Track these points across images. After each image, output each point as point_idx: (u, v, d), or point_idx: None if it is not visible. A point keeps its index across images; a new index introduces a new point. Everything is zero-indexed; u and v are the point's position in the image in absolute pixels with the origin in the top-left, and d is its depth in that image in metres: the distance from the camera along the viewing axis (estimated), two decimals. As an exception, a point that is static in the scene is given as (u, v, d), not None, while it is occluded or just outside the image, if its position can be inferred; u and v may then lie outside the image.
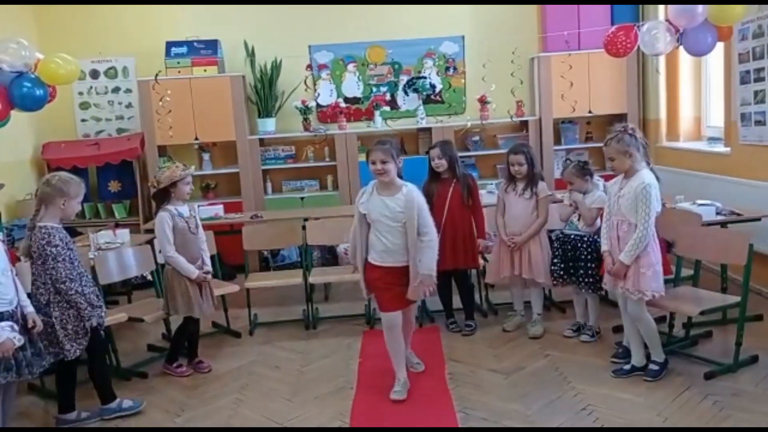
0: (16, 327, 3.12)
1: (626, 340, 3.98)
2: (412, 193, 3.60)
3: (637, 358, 3.82)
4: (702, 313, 3.79)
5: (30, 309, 3.28)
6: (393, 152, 3.61)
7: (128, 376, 4.22)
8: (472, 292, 4.86)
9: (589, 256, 4.19)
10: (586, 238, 4.24)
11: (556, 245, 4.44)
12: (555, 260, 4.40)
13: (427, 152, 4.74)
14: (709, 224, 4.53)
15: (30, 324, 3.23)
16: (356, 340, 4.66)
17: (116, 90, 6.96)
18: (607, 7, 6.70)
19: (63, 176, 3.57)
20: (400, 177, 3.69)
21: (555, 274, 4.40)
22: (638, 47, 4.74)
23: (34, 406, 3.92)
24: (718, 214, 4.73)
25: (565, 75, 6.49)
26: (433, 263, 3.63)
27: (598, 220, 4.16)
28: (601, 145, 6.59)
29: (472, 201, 4.60)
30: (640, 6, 6.75)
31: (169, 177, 4.07)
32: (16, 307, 3.20)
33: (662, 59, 6.28)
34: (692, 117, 6.49)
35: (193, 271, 4.13)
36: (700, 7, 4.34)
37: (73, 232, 5.92)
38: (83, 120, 6.97)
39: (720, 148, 5.75)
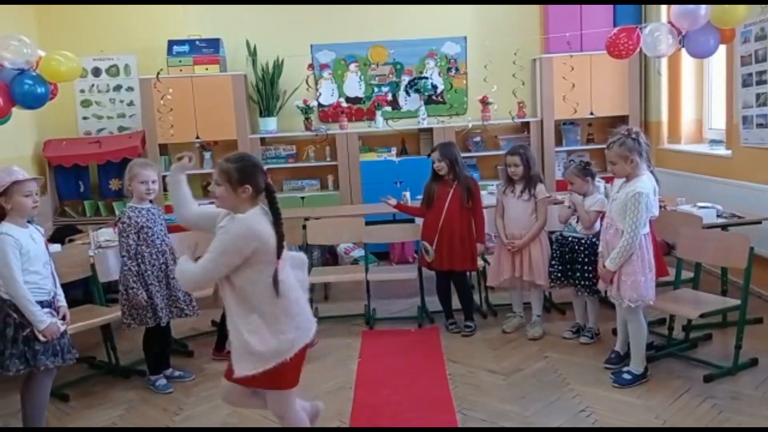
0: (55, 314, 3.30)
1: (618, 345, 3.98)
2: (230, 223, 2.76)
3: (634, 365, 3.79)
4: (702, 315, 3.77)
5: (63, 303, 3.41)
6: (233, 175, 2.75)
7: (127, 375, 4.22)
8: (471, 293, 4.86)
9: (586, 259, 4.17)
10: (584, 241, 4.23)
11: (554, 247, 4.43)
12: (553, 262, 4.40)
13: (429, 154, 4.74)
14: (710, 227, 4.52)
15: (61, 316, 3.35)
16: (356, 339, 4.66)
17: (118, 88, 6.96)
18: (610, 8, 6.70)
19: (133, 161, 4.03)
20: (272, 200, 2.83)
21: (552, 276, 4.39)
22: (640, 49, 4.74)
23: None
24: (718, 216, 4.72)
25: (566, 76, 6.49)
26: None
27: (597, 224, 4.15)
28: (602, 146, 6.60)
29: (473, 204, 4.60)
30: (643, 8, 6.74)
31: None
32: (53, 298, 3.34)
33: (664, 61, 6.27)
34: (694, 119, 6.48)
35: None
36: (702, 9, 4.33)
37: (73, 229, 5.94)
38: (85, 118, 6.96)
39: (721, 150, 5.74)
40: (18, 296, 3.15)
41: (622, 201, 3.59)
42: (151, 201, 3.99)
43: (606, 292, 3.82)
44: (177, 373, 4.20)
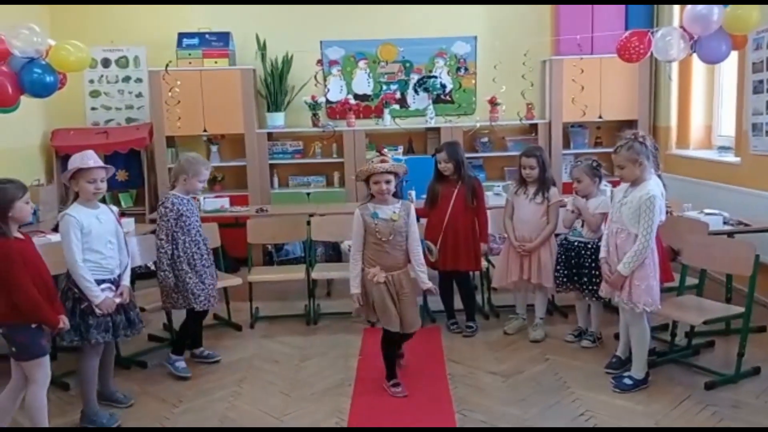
0: (114, 289, 3.50)
1: (620, 350, 3.96)
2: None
3: (636, 371, 3.75)
4: (705, 322, 3.76)
5: (126, 282, 3.61)
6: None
7: (128, 365, 4.23)
8: (473, 294, 4.84)
9: (592, 264, 4.14)
10: (589, 245, 4.21)
11: (559, 251, 4.41)
12: (558, 266, 4.37)
13: (434, 154, 4.71)
14: (716, 234, 4.49)
15: (118, 293, 3.53)
16: (356, 337, 4.65)
17: (127, 79, 6.97)
18: (621, 11, 6.67)
19: (190, 156, 4.15)
20: None
21: (558, 280, 4.36)
22: (651, 53, 4.71)
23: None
24: (725, 223, 4.69)
25: (576, 79, 6.45)
26: None
27: (603, 226, 4.13)
28: (610, 150, 6.57)
29: (477, 203, 4.59)
30: (655, 10, 6.71)
31: (364, 171, 3.67)
32: (117, 276, 3.55)
33: (675, 66, 6.24)
34: (703, 125, 6.44)
35: (353, 287, 3.70)
36: (715, 15, 4.31)
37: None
38: (93, 108, 6.98)
39: (730, 157, 5.71)
40: (75, 272, 3.38)
41: (635, 205, 3.54)
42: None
43: (612, 297, 3.78)
44: (206, 352, 4.32)
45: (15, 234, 3.08)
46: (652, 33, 4.68)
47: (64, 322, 3.22)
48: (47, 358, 3.18)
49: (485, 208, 4.68)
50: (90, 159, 3.44)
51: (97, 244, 3.45)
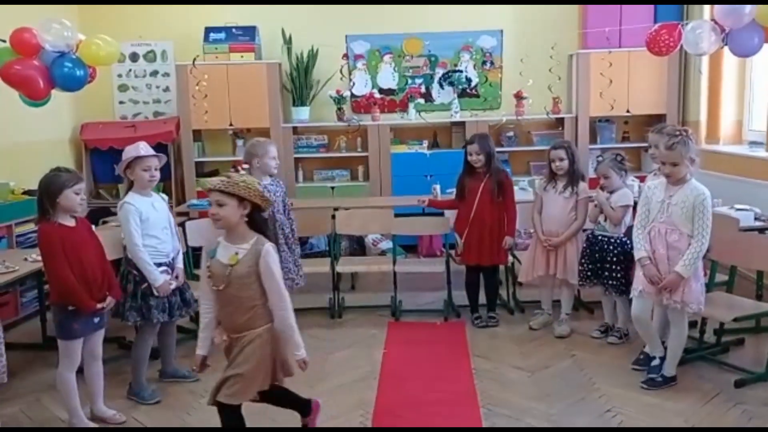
0: (170, 272, 3.68)
1: (648, 347, 3.90)
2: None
3: (668, 368, 3.70)
4: (735, 319, 3.71)
5: (180, 265, 3.79)
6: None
7: (156, 356, 4.24)
8: (497, 287, 4.83)
9: (615, 258, 4.11)
10: (613, 240, 4.17)
11: (585, 245, 4.37)
12: (582, 260, 4.33)
13: (464, 146, 4.69)
14: (747, 230, 4.42)
15: (174, 275, 3.71)
16: (381, 330, 4.66)
17: (154, 73, 7.05)
18: (650, 6, 6.56)
19: (255, 140, 4.30)
20: None
21: (582, 275, 4.33)
22: (681, 46, 4.64)
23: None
24: (756, 219, 4.61)
25: (604, 73, 6.38)
26: None
27: (628, 218, 4.08)
28: (638, 145, 6.48)
29: (504, 197, 4.56)
30: (684, 10, 6.59)
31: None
32: (172, 259, 3.72)
33: (705, 59, 6.12)
34: (734, 120, 6.32)
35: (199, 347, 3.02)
36: (747, 7, 4.23)
37: (107, 211, 6.04)
38: (121, 102, 7.07)
39: (761, 152, 5.60)
40: (137, 257, 3.56)
41: (687, 206, 3.45)
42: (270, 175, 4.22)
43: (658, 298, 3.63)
44: None
45: (63, 221, 3.19)
46: (683, 26, 4.61)
47: (109, 305, 3.35)
48: (77, 343, 3.27)
49: (514, 202, 4.64)
50: (142, 149, 3.61)
51: (154, 230, 3.63)
